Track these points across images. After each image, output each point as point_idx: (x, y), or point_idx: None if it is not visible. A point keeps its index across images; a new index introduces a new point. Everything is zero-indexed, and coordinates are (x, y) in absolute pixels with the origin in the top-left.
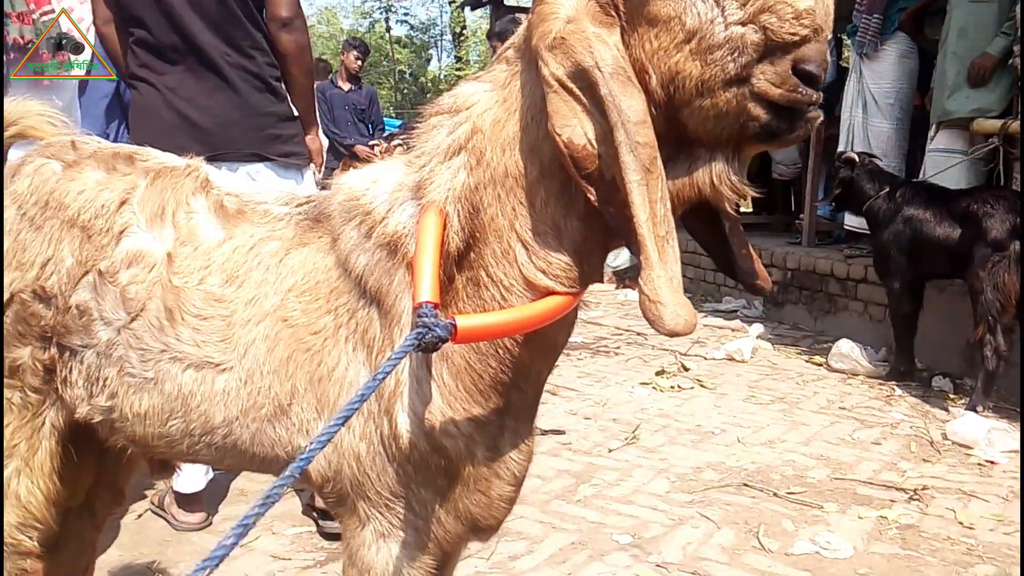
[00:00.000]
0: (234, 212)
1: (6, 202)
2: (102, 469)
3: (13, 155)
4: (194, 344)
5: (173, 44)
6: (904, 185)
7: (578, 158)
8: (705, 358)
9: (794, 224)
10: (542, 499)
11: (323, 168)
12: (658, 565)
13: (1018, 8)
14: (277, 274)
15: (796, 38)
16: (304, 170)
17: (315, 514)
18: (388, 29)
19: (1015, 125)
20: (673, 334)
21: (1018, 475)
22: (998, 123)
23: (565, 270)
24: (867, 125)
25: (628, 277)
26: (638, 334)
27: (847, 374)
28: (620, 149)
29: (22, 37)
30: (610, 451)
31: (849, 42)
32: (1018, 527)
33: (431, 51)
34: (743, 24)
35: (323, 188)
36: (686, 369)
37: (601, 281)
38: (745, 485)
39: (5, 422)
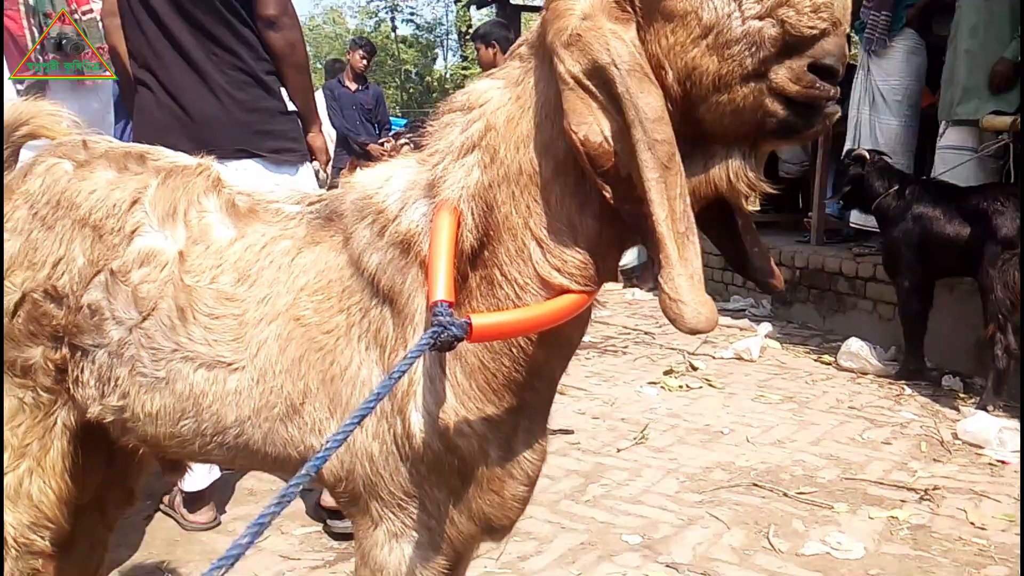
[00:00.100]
0: (246, 211)
1: (18, 201)
2: (113, 468)
3: (25, 155)
4: (206, 343)
5: (160, 44)
6: (914, 183)
7: (594, 156)
8: (713, 357)
9: (802, 222)
10: (551, 499)
11: (330, 166)
12: (668, 565)
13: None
14: (289, 273)
15: (815, 32)
16: (299, 165)
17: (324, 513)
18: (394, 28)
19: None
20: (695, 332)
21: None
22: (1008, 120)
23: (580, 268)
24: (875, 122)
25: (635, 276)
26: (646, 333)
27: (856, 373)
28: (638, 146)
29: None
30: (619, 451)
31: (856, 39)
32: None
33: (437, 50)
34: (760, 18)
35: (331, 188)
36: (694, 368)
37: (616, 280)
38: (755, 485)
39: (17, 422)
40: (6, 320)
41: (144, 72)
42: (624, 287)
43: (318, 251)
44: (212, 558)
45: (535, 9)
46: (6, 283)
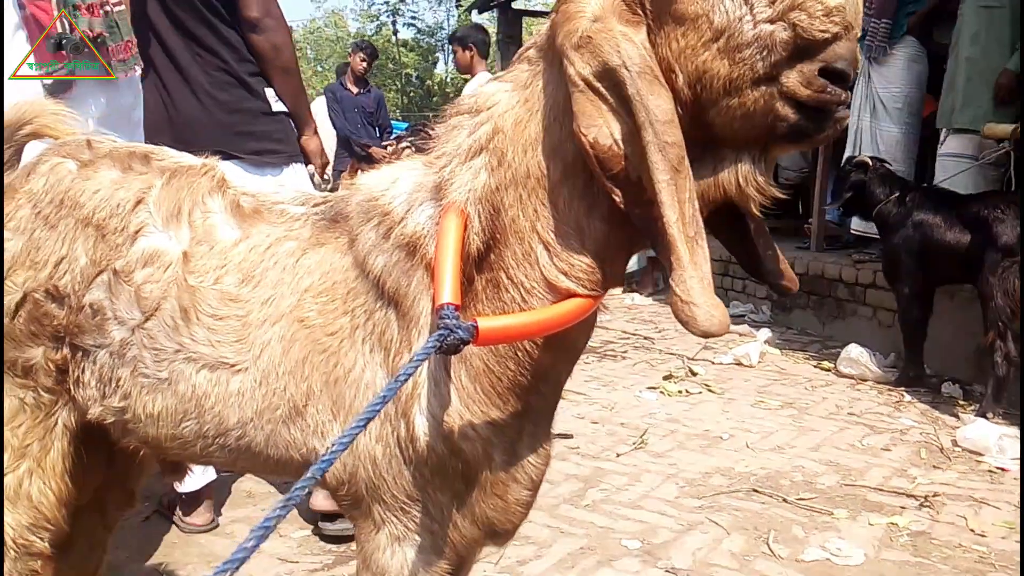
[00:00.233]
0: (250, 212)
1: (21, 201)
2: (113, 470)
3: (28, 154)
4: (209, 344)
5: (152, 47)
6: (914, 190)
7: (604, 159)
8: (713, 362)
9: (802, 228)
10: (550, 503)
11: (327, 169)
12: (667, 571)
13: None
14: (294, 274)
15: (827, 35)
16: (284, 167)
17: (316, 516)
18: (395, 32)
19: None
20: (707, 335)
21: None
22: (1009, 127)
23: (587, 272)
24: (876, 130)
25: (635, 281)
26: (645, 338)
27: (856, 379)
28: (648, 149)
29: (91, 30)
30: (618, 455)
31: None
32: None
33: (437, 55)
34: (772, 22)
35: (332, 190)
36: (694, 373)
37: (622, 285)
38: (754, 491)
39: (17, 423)
40: (7, 320)
41: (146, 72)
42: (624, 292)
43: (323, 252)
44: (210, 560)
45: (537, 14)
46: (7, 283)
